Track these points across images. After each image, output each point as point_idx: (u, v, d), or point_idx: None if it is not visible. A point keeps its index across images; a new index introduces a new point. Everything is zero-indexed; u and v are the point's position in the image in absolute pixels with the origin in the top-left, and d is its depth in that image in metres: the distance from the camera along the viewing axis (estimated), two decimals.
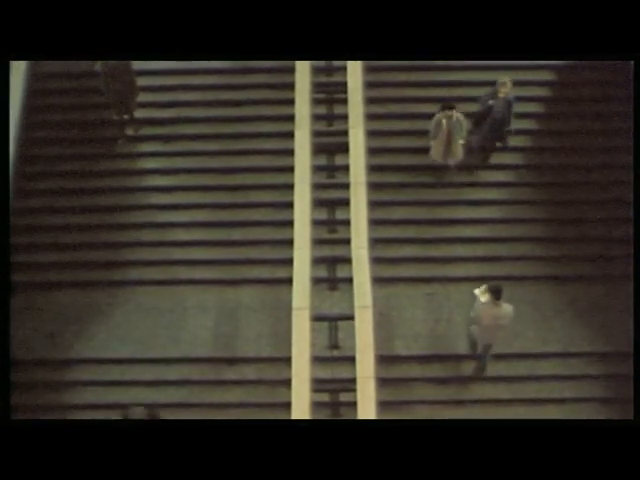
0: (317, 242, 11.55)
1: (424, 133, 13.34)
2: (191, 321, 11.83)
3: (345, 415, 10.73)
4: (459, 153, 12.13)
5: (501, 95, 11.79)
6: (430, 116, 12.06)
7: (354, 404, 9.80)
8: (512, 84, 11.78)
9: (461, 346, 11.47)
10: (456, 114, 11.75)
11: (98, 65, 12.39)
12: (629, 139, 12.34)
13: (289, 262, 11.03)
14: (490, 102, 11.91)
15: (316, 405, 9.96)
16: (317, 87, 12.93)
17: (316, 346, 10.77)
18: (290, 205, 11.59)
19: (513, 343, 11.51)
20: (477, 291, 10.26)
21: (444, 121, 11.75)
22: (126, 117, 13.10)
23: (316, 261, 11.34)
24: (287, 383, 10.02)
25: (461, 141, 11.99)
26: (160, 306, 12.01)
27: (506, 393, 11.21)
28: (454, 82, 13.69)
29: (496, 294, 9.98)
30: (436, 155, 12.19)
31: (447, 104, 11.76)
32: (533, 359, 11.48)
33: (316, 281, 11.31)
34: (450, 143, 11.91)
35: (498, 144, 12.53)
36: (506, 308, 10.17)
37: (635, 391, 8.88)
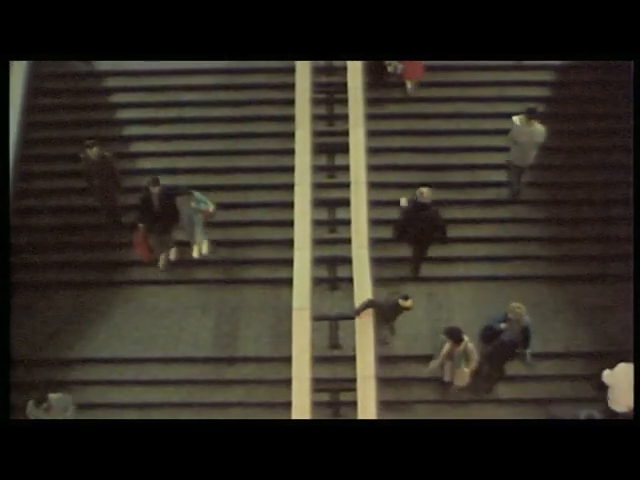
0: (317, 242, 11.55)
1: (423, 133, 13.32)
2: (192, 321, 11.83)
3: (345, 415, 10.72)
4: (466, 378, 10.54)
5: (512, 317, 9.99)
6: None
7: (354, 404, 9.81)
8: (525, 309, 10.13)
9: None
10: (466, 343, 10.16)
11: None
12: (629, 139, 12.33)
13: (289, 262, 11.03)
14: (502, 325, 10.02)
15: (316, 405, 9.96)
16: (317, 87, 12.93)
17: (316, 346, 10.77)
18: (290, 205, 11.59)
19: None
20: (515, 117, 11.83)
21: (451, 349, 10.22)
22: (108, 220, 12.47)
23: (316, 261, 11.35)
24: (287, 383, 10.02)
25: (466, 369, 10.36)
26: (160, 306, 12.02)
27: (506, 393, 11.21)
28: (454, 82, 13.71)
29: (530, 115, 11.64)
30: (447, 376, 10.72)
31: (453, 330, 10.17)
32: (534, 358, 11.47)
33: (316, 281, 11.31)
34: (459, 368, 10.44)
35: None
36: (538, 126, 11.75)
37: (635, 391, 8.87)
